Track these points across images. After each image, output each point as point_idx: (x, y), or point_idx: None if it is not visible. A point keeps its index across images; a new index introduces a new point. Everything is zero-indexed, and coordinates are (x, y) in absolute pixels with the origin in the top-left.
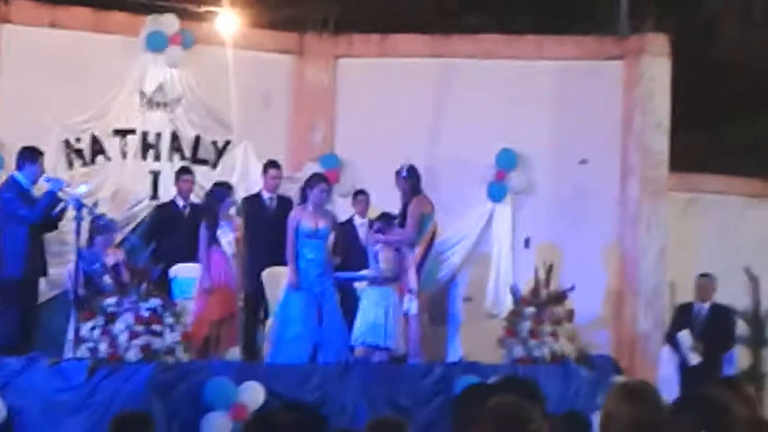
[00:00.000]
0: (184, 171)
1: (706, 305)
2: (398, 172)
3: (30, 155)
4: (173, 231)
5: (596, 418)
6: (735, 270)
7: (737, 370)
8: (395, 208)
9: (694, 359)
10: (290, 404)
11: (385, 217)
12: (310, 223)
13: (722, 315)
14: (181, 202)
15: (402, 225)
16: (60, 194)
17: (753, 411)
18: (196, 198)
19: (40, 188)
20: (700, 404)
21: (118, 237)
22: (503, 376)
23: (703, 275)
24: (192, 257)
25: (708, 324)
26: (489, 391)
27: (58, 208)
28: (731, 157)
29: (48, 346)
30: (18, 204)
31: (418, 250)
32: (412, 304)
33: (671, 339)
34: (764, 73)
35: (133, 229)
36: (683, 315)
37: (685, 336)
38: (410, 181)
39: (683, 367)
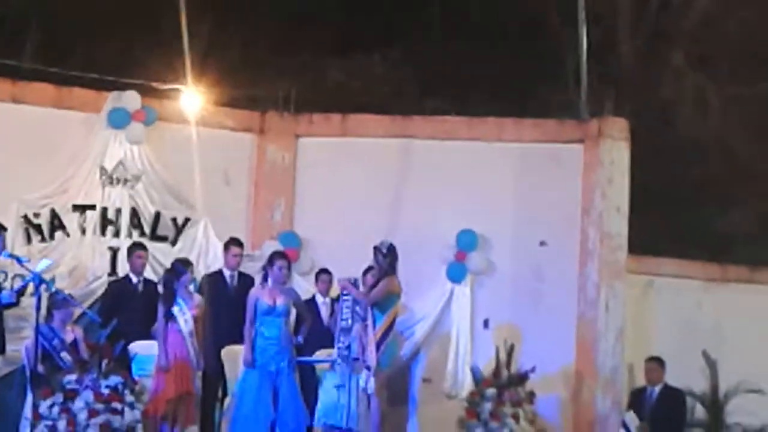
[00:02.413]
0: (136, 246)
1: (657, 388)
2: (378, 248)
3: None
4: (127, 307)
5: None
6: (693, 353)
7: None
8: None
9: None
10: None
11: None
12: (268, 300)
13: (672, 397)
14: (134, 278)
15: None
16: (19, 270)
17: None
18: (153, 274)
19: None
20: None
21: (76, 313)
22: None
23: (650, 359)
24: (147, 334)
25: (658, 406)
26: None
27: (18, 287)
28: (689, 241)
29: (2, 424)
30: None
31: (379, 329)
32: (369, 382)
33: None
34: (721, 158)
35: (90, 306)
36: (637, 398)
37: (631, 417)
38: (388, 258)
39: None
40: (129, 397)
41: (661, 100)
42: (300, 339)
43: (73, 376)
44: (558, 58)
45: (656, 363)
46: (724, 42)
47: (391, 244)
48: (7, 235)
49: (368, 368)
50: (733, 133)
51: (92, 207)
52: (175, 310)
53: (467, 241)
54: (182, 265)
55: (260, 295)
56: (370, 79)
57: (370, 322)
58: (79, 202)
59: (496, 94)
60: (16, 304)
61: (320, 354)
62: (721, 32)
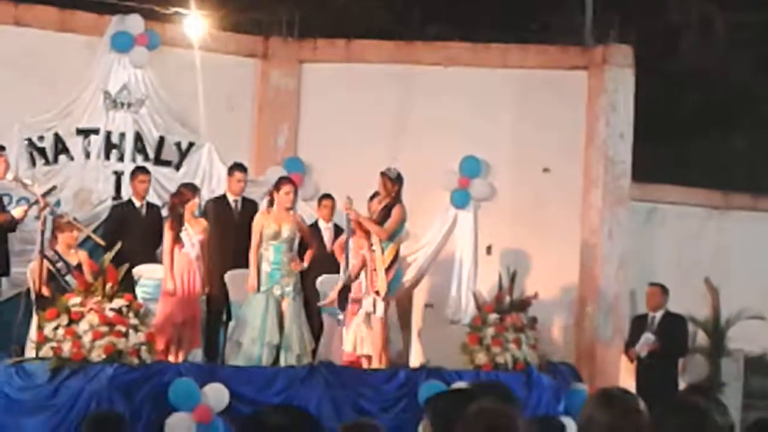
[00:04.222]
0: (139, 170)
1: (658, 314)
2: (386, 174)
3: None
4: (131, 231)
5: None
6: (695, 280)
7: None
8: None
9: (644, 352)
10: (283, 407)
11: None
12: (274, 225)
13: (673, 323)
14: (137, 203)
15: (380, 224)
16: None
17: (727, 417)
18: (157, 199)
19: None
20: (681, 411)
21: (81, 236)
22: (477, 381)
23: (652, 284)
24: (149, 258)
25: (659, 332)
26: (465, 396)
27: (22, 208)
28: (693, 168)
29: (8, 345)
30: None
31: (387, 255)
32: (378, 306)
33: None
34: (725, 86)
35: (95, 229)
36: (639, 325)
37: (650, 337)
38: (397, 185)
39: (639, 374)
40: (133, 320)
41: (667, 26)
42: (304, 264)
43: (77, 299)
44: None
45: (658, 288)
46: None
47: (398, 172)
48: (11, 158)
49: (377, 292)
50: (738, 60)
51: (96, 131)
52: (183, 234)
53: (471, 168)
54: (188, 190)
55: (266, 220)
56: (373, 3)
57: (378, 248)
58: (83, 126)
59: (500, 19)
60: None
61: (322, 279)
62: None
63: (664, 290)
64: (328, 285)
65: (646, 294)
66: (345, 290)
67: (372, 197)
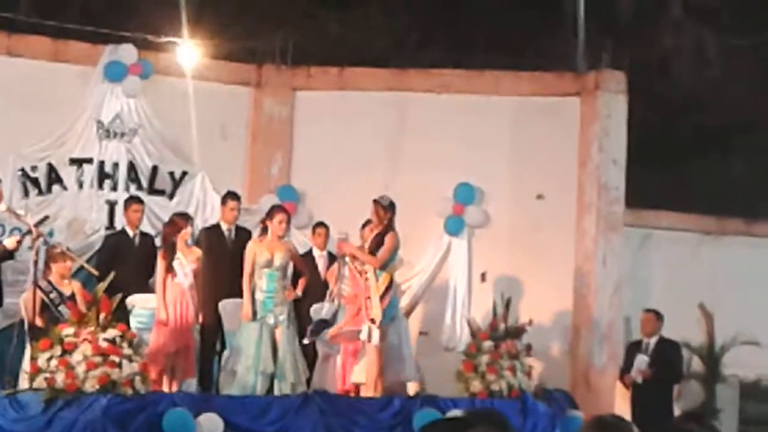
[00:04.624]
0: (132, 200)
1: (652, 340)
2: (378, 202)
3: None
4: (124, 260)
5: None
6: (689, 306)
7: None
8: (352, 240)
9: (638, 378)
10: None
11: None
12: (266, 253)
13: (669, 349)
14: (130, 232)
15: (373, 253)
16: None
17: None
18: (151, 228)
19: None
20: None
21: (74, 266)
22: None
23: (646, 310)
24: (142, 287)
25: (654, 359)
26: (461, 424)
27: (14, 238)
28: (686, 193)
29: (2, 377)
30: None
31: (382, 283)
32: (373, 334)
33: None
34: (718, 110)
35: (88, 259)
36: (634, 351)
37: (643, 359)
38: (390, 212)
39: (634, 400)
40: (127, 350)
41: (660, 51)
42: (298, 293)
43: (71, 329)
44: (556, 9)
45: (652, 314)
46: None
47: (391, 200)
48: (4, 188)
49: (372, 320)
50: (731, 85)
51: (89, 161)
52: (175, 263)
53: (465, 195)
54: (182, 219)
55: (259, 248)
56: (367, 31)
57: (372, 276)
58: (76, 155)
59: (494, 46)
60: (11, 257)
61: (316, 307)
62: None
63: (658, 316)
64: (322, 313)
65: (641, 320)
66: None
67: (364, 225)
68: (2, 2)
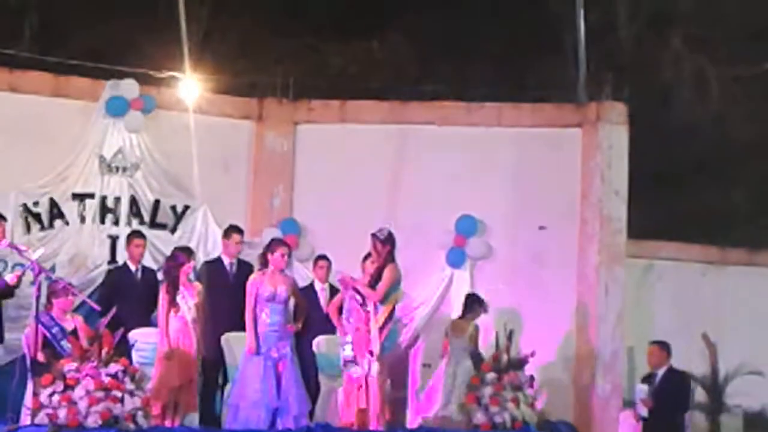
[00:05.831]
0: (134, 235)
1: (660, 372)
2: (375, 236)
3: None
4: (126, 295)
5: None
6: (693, 336)
7: None
8: (354, 273)
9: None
10: None
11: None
12: (269, 287)
13: (676, 379)
14: (132, 266)
15: (373, 287)
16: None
17: None
18: (153, 262)
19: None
20: None
21: (76, 301)
22: None
23: (652, 342)
24: (145, 322)
25: (662, 390)
26: None
27: (14, 274)
28: (688, 224)
29: (4, 413)
30: None
31: (381, 315)
32: (373, 367)
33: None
34: (720, 141)
35: (90, 294)
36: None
37: (642, 388)
38: (388, 245)
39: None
40: (129, 385)
41: (660, 82)
42: (298, 326)
43: (73, 364)
44: (556, 41)
45: (656, 346)
46: (723, 23)
47: (389, 232)
48: (6, 224)
49: (371, 353)
50: (732, 115)
51: (91, 195)
52: (178, 298)
53: (466, 227)
54: (184, 254)
55: (261, 282)
56: (368, 64)
57: (372, 308)
58: (78, 190)
59: (495, 78)
60: (12, 294)
61: (318, 340)
62: (720, 13)
63: (663, 348)
64: (324, 346)
65: (647, 353)
66: None
67: (366, 257)
68: (4, 38)
